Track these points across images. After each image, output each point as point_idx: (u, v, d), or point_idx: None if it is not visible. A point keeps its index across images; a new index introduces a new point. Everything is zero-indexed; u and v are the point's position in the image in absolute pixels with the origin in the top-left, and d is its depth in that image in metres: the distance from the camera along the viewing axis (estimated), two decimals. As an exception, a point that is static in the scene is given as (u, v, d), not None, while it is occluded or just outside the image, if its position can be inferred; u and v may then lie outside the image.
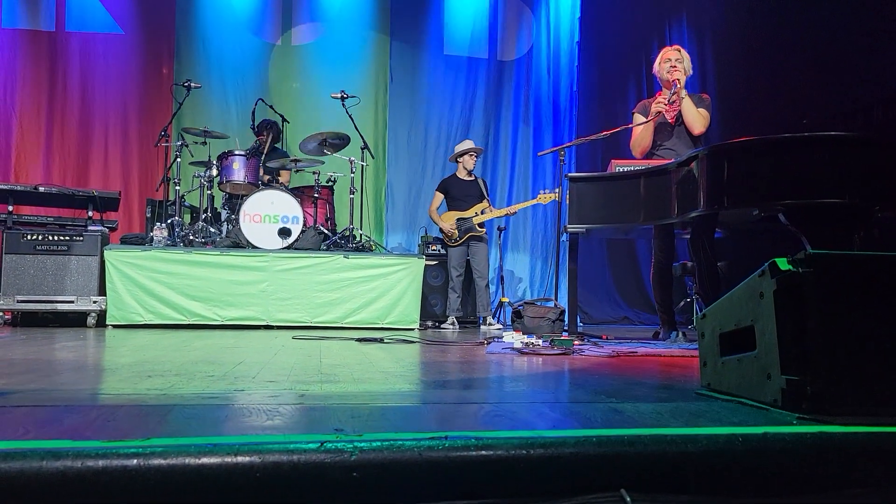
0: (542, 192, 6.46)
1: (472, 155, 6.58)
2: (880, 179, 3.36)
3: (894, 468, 1.29)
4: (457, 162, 6.65)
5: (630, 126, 4.81)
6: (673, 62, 4.57)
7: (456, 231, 6.43)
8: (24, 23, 7.33)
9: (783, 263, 1.57)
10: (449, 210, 6.58)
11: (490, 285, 6.63)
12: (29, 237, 5.23)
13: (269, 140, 6.67)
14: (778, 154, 3.47)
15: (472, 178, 6.64)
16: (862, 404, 1.49)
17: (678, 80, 4.48)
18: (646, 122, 4.60)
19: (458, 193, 6.56)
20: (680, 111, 4.55)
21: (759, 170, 3.52)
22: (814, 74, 7.31)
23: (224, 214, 6.25)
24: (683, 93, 4.50)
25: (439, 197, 6.68)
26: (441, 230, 6.56)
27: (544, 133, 8.42)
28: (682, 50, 4.69)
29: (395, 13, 8.13)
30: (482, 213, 6.48)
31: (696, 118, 4.48)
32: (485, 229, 6.54)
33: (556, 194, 5.19)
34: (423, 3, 8.24)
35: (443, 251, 6.72)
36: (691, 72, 4.65)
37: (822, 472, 1.28)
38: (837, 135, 3.49)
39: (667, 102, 4.57)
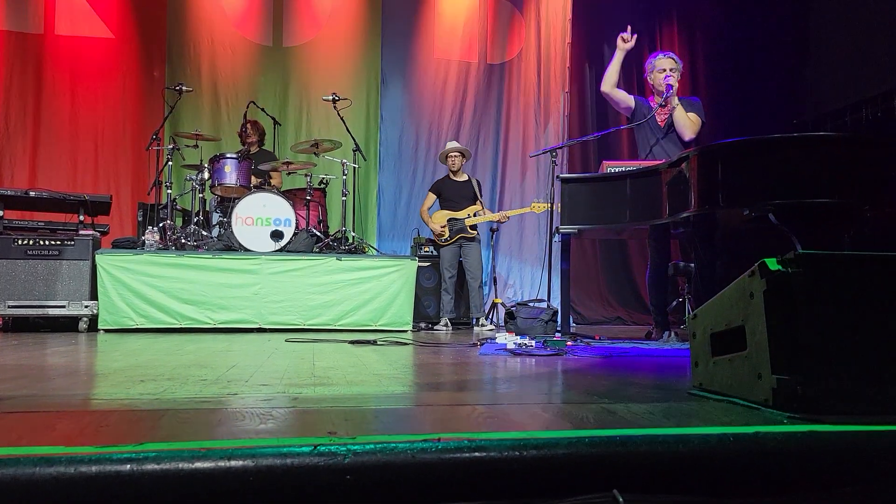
0: (535, 201, 6.48)
1: (453, 156, 6.58)
2: (869, 179, 3.38)
3: (884, 467, 1.30)
4: (445, 163, 6.68)
5: (622, 128, 4.84)
6: (668, 70, 4.60)
7: (446, 231, 6.44)
8: (12, 25, 7.27)
9: (773, 263, 1.57)
10: (441, 209, 6.58)
11: (483, 286, 6.63)
12: (20, 242, 5.20)
13: (256, 135, 6.67)
14: (768, 154, 3.49)
15: (466, 178, 6.65)
16: (852, 403, 1.50)
17: (671, 85, 4.51)
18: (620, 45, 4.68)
19: (451, 194, 6.57)
20: (671, 115, 4.58)
21: (749, 170, 3.54)
22: (803, 75, 7.36)
23: (216, 217, 6.23)
24: (675, 101, 4.53)
25: (431, 197, 6.69)
26: (431, 230, 6.57)
27: (535, 135, 8.42)
28: (675, 56, 4.73)
29: (387, 16, 8.12)
30: (475, 215, 6.48)
31: (687, 124, 4.51)
32: (477, 231, 6.55)
33: (549, 204, 5.20)
34: (413, 6, 8.23)
35: (435, 252, 6.72)
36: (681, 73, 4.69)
37: (813, 471, 1.29)
38: (826, 135, 3.52)
39: (658, 105, 4.59)
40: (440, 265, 6.53)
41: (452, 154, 6.59)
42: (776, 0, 7.86)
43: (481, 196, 6.64)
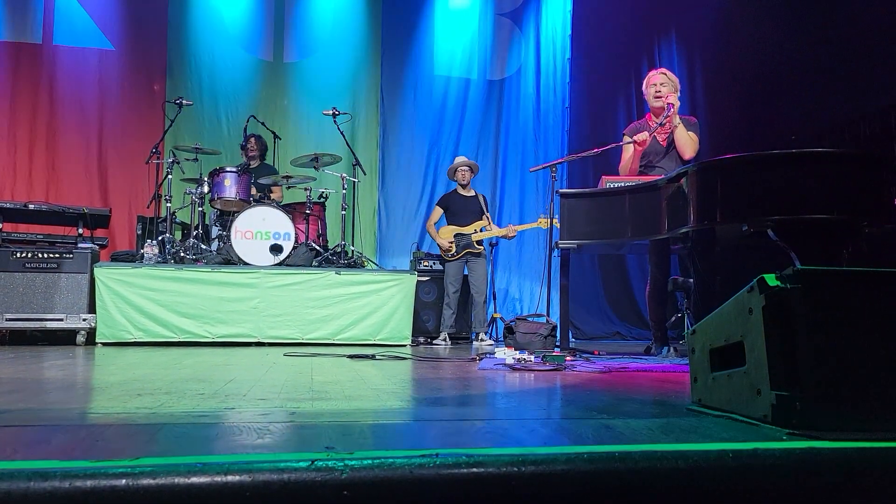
0: (542, 215, 6.49)
1: (462, 170, 6.60)
2: (867, 195, 3.39)
3: (884, 483, 1.29)
4: (454, 178, 6.70)
5: (621, 144, 4.85)
6: (658, 86, 4.62)
7: (453, 246, 6.44)
8: (10, 34, 7.28)
9: (771, 279, 1.57)
10: (448, 225, 6.58)
11: (486, 301, 6.63)
12: (18, 255, 5.20)
13: (259, 149, 6.69)
14: (766, 170, 3.49)
15: (473, 193, 6.65)
16: (851, 419, 1.50)
17: (672, 104, 4.53)
18: (633, 144, 4.65)
19: (458, 209, 6.57)
20: (671, 133, 4.59)
21: (747, 186, 3.55)
22: (800, 91, 7.39)
23: (215, 231, 6.23)
24: (677, 120, 4.55)
25: (438, 211, 6.68)
26: (438, 245, 6.56)
27: (534, 150, 8.46)
28: (668, 72, 4.74)
29: (387, 33, 8.19)
30: (482, 230, 6.48)
31: (688, 143, 4.53)
32: (483, 246, 6.55)
33: (554, 220, 5.19)
34: (413, 24, 8.30)
35: (436, 267, 6.72)
36: (679, 90, 4.70)
37: (813, 488, 1.28)
38: (824, 151, 3.52)
39: (658, 124, 4.60)
40: (444, 280, 6.51)
41: (462, 168, 6.60)
42: (775, 16, 7.91)
43: (487, 211, 6.64)
